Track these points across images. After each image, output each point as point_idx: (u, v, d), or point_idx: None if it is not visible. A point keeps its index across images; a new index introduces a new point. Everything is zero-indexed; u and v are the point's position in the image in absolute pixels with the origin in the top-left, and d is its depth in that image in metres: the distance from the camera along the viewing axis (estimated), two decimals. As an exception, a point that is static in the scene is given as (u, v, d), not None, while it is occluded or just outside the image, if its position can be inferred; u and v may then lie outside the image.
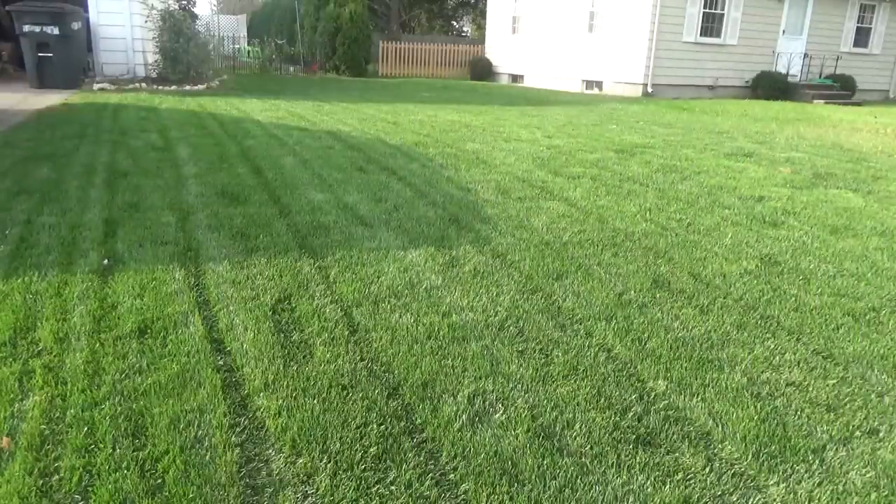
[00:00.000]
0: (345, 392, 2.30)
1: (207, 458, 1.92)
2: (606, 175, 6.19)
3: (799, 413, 2.29)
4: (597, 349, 2.68)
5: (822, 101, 16.79)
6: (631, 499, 1.84)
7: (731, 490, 1.90)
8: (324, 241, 3.88)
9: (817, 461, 2.03)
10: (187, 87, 12.54)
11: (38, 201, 4.45)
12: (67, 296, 2.98)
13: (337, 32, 20.37)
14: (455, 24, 37.97)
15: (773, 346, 2.79)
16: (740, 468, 1.99)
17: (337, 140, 7.51)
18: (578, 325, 2.90)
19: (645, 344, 2.75)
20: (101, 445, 1.95)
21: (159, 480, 1.83)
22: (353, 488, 1.83)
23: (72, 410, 2.11)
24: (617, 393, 2.37)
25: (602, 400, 2.32)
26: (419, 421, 2.15)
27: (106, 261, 3.42)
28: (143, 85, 12.36)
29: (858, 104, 16.88)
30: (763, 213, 4.98)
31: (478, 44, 23.60)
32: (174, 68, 12.79)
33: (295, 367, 2.45)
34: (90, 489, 1.78)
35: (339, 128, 8.53)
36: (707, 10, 16.53)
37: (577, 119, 10.82)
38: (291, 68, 21.54)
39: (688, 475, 1.94)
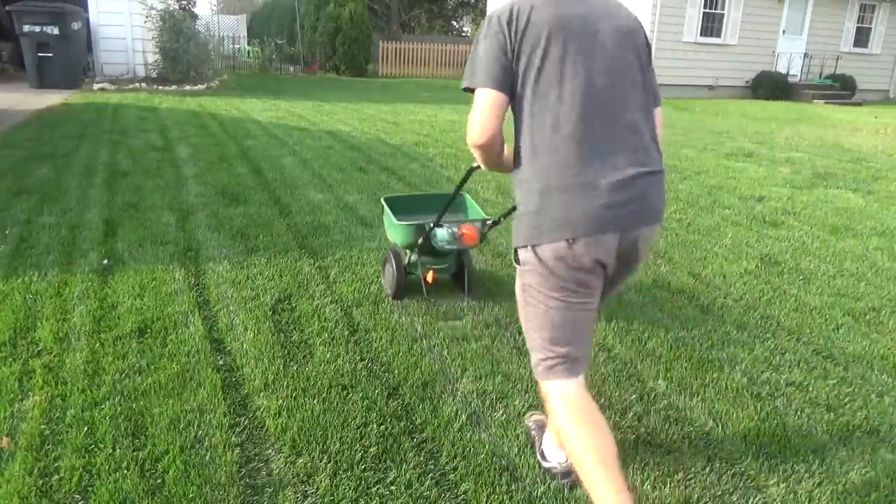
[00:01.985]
0: (345, 392, 2.30)
1: (207, 458, 1.92)
2: (606, 175, 6.18)
3: (799, 413, 2.29)
4: (597, 349, 2.68)
5: (823, 101, 16.78)
6: (631, 499, 1.84)
7: (731, 490, 1.90)
8: (324, 241, 3.88)
9: (817, 461, 2.03)
10: (187, 87, 12.54)
11: (38, 201, 4.45)
12: (67, 296, 2.98)
13: (337, 32, 20.35)
14: (455, 24, 37.98)
15: (773, 346, 2.79)
16: (740, 468, 1.99)
17: (337, 140, 7.51)
18: (578, 325, 2.90)
19: (645, 344, 2.75)
20: (101, 445, 1.95)
21: (159, 480, 1.82)
22: (353, 488, 1.83)
23: (72, 410, 2.11)
24: (617, 393, 2.37)
25: (602, 400, 2.32)
26: (419, 421, 2.15)
27: (106, 261, 3.42)
28: (143, 85, 12.36)
29: (858, 104, 16.88)
30: (763, 213, 4.98)
31: (478, 44, 23.55)
32: (174, 68, 12.78)
33: (295, 367, 2.45)
34: (90, 489, 1.78)
35: (339, 128, 8.53)
36: (707, 10, 16.52)
37: (577, 119, 10.81)
38: (291, 68, 21.53)
39: (688, 475, 1.94)
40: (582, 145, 1.59)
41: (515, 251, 1.72)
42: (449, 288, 3.23)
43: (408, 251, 3.07)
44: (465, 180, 2.59)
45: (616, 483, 1.58)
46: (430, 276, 3.00)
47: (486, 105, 1.63)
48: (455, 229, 2.87)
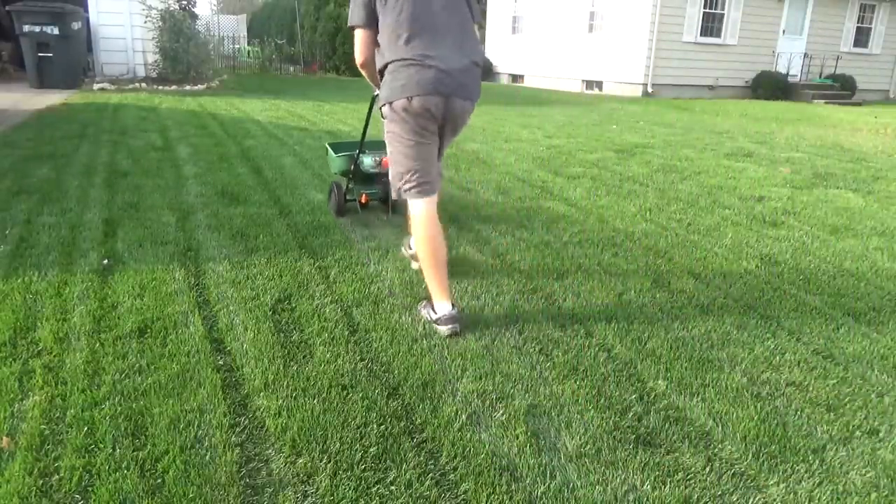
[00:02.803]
0: (345, 392, 2.30)
1: (207, 458, 1.92)
2: (606, 175, 6.19)
3: (799, 413, 2.29)
4: (597, 349, 2.68)
5: (823, 101, 16.80)
6: (631, 498, 1.84)
7: (731, 490, 1.90)
8: (324, 240, 3.88)
9: (817, 461, 2.03)
10: (187, 87, 12.54)
11: (38, 201, 4.45)
12: (67, 296, 2.98)
13: (337, 32, 20.36)
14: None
15: (773, 346, 2.79)
16: (740, 468, 1.99)
17: (337, 140, 7.51)
18: (578, 325, 2.90)
19: (645, 344, 2.75)
20: (101, 445, 1.95)
21: (159, 480, 1.82)
22: (353, 488, 1.83)
23: (72, 410, 2.11)
24: (617, 393, 2.37)
25: (602, 400, 2.32)
26: (419, 421, 2.15)
27: (106, 261, 3.42)
28: (143, 85, 12.36)
29: (858, 104, 16.89)
30: (763, 213, 4.98)
31: (478, 44, 23.55)
32: (174, 68, 12.79)
33: (295, 367, 2.45)
34: (90, 489, 1.78)
35: (340, 128, 8.53)
36: (707, 10, 16.53)
37: (578, 119, 10.83)
38: (291, 68, 21.55)
39: (688, 475, 1.94)
40: (418, 48, 2.60)
41: (380, 109, 2.77)
42: (379, 210, 4.39)
43: (346, 180, 4.26)
44: (371, 107, 3.43)
45: (443, 278, 2.77)
46: (363, 199, 4.29)
47: (360, 38, 2.75)
48: (378, 157, 4.08)
